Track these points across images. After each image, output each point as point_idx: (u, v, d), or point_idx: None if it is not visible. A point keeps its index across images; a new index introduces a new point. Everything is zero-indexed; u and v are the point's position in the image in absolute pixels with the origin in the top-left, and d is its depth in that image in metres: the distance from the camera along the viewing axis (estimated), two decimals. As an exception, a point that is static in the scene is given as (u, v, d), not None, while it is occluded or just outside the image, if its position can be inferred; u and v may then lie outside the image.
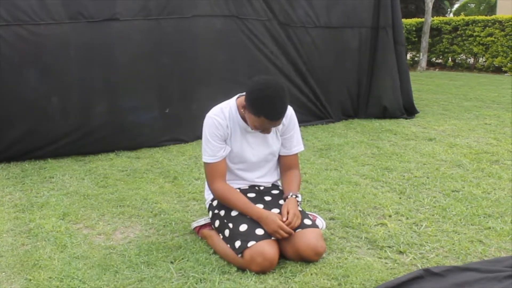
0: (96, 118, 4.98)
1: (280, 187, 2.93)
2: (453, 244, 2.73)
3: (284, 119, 2.74)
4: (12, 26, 4.53)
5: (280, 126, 2.79)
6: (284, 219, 2.55)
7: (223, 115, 2.69)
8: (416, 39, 15.85)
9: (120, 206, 3.46)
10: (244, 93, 2.64)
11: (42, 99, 4.73)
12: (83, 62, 4.86)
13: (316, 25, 6.26)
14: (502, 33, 13.52)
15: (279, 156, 2.88)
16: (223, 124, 2.67)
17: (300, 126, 2.93)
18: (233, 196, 2.66)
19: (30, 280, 2.42)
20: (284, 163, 2.88)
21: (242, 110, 2.66)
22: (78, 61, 4.84)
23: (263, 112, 2.50)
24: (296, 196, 2.70)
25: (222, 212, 2.69)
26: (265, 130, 2.64)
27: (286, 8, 6.01)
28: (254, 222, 2.54)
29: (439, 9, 24.06)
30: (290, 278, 2.39)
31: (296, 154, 2.88)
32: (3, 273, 2.52)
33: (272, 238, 2.48)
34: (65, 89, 4.82)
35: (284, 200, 2.70)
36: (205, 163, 2.71)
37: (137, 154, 4.90)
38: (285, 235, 2.49)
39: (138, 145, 5.13)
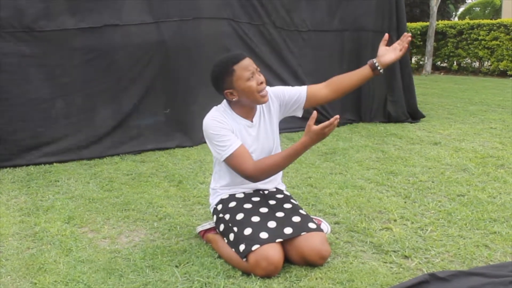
0: (100, 122, 5.03)
1: (285, 191, 2.93)
2: (458, 248, 2.72)
3: (269, 99, 2.75)
4: (18, 33, 4.60)
5: (275, 105, 2.80)
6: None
7: (219, 113, 2.70)
8: (421, 43, 15.82)
9: (125, 210, 3.47)
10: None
11: (47, 103, 4.79)
12: (86, 67, 4.93)
13: (314, 29, 6.26)
14: (508, 37, 13.48)
15: (312, 99, 2.83)
16: (223, 119, 2.67)
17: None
18: (270, 161, 2.59)
19: (36, 283, 2.43)
20: (316, 92, 2.83)
21: (234, 100, 2.65)
22: (81, 65, 4.91)
23: (230, 65, 2.58)
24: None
25: (227, 216, 2.68)
26: (260, 79, 2.61)
27: (283, 12, 6.02)
28: (259, 226, 2.53)
29: (444, 13, 24.03)
30: (295, 283, 2.39)
31: (309, 85, 2.86)
32: (9, 277, 2.52)
33: (277, 241, 2.47)
34: (69, 93, 4.88)
35: (372, 65, 2.76)
36: (227, 158, 2.61)
37: (142, 158, 4.91)
38: (334, 125, 2.43)
39: (143, 148, 5.14)
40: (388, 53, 2.76)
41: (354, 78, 2.81)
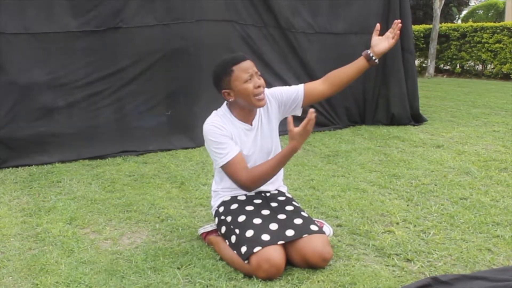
0: (102, 123, 5.04)
1: (287, 193, 2.92)
2: (461, 252, 2.72)
3: (267, 101, 2.75)
4: (22, 35, 4.62)
5: (274, 106, 2.80)
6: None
7: (219, 118, 2.71)
8: (424, 45, 15.82)
9: (127, 211, 3.47)
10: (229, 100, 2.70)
11: (49, 104, 4.80)
12: (89, 68, 4.95)
13: (318, 31, 6.26)
14: (511, 39, 13.46)
15: (310, 96, 2.82)
16: (222, 125, 2.67)
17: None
18: (261, 169, 2.61)
19: (37, 284, 2.43)
20: (314, 89, 2.83)
21: (231, 100, 2.67)
22: (84, 67, 4.94)
23: (230, 66, 2.60)
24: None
25: (229, 218, 2.68)
26: (258, 83, 2.62)
27: (287, 14, 6.01)
28: (261, 228, 2.53)
29: (447, 16, 24.00)
30: (297, 285, 2.38)
31: (306, 83, 2.86)
32: (10, 277, 2.52)
33: (278, 243, 2.47)
34: (72, 94, 4.89)
35: (367, 56, 2.78)
36: (223, 166, 2.63)
37: (144, 159, 4.91)
38: (313, 119, 2.45)
39: (145, 149, 5.15)
40: (381, 42, 2.78)
41: (350, 70, 2.82)
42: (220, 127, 2.65)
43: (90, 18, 4.88)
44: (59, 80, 4.84)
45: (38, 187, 4.05)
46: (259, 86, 2.63)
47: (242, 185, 2.65)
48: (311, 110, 2.45)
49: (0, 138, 4.63)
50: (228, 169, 2.64)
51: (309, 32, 6.20)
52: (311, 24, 6.20)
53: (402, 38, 6.40)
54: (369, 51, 2.78)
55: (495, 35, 13.86)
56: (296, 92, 2.81)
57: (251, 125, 2.76)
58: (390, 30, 2.80)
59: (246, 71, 2.60)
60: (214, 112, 2.76)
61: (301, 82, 2.90)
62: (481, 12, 28.58)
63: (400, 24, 2.78)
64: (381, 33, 2.83)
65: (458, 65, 15.39)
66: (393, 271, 2.52)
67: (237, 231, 2.58)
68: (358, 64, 2.80)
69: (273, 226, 2.54)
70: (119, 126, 5.12)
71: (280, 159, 2.59)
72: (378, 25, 2.84)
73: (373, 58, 2.78)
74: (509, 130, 6.09)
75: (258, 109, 2.78)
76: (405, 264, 2.59)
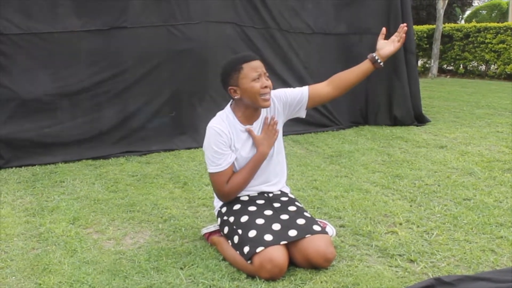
0: (105, 123, 5.05)
1: (289, 194, 2.92)
2: (464, 253, 2.71)
3: (272, 103, 2.77)
4: (26, 35, 4.63)
5: (278, 108, 2.82)
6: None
7: (222, 121, 2.72)
8: (427, 46, 15.79)
9: (130, 211, 3.47)
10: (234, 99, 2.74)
11: (53, 104, 4.82)
12: (93, 68, 4.96)
13: (318, 32, 6.25)
14: (514, 40, 13.44)
15: (315, 98, 2.83)
16: (224, 130, 2.69)
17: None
18: (239, 178, 2.71)
19: (40, 284, 2.43)
20: (318, 91, 2.84)
21: (236, 97, 2.68)
22: (88, 67, 4.95)
23: (240, 63, 2.63)
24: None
25: (232, 219, 2.68)
26: (265, 83, 2.64)
27: (287, 14, 6.01)
28: (264, 228, 2.53)
29: (450, 16, 23.96)
30: (300, 286, 2.38)
31: (310, 85, 2.87)
32: (13, 277, 2.53)
33: (281, 243, 2.47)
34: (75, 94, 4.90)
35: (372, 59, 2.81)
36: (212, 173, 2.70)
37: (148, 159, 4.92)
38: (272, 124, 2.73)
39: (148, 150, 5.15)
40: (387, 46, 2.82)
41: (355, 73, 2.84)
42: (221, 132, 2.67)
43: (94, 18, 4.88)
44: (63, 80, 4.85)
45: (41, 187, 4.06)
46: (266, 87, 2.65)
47: (221, 196, 2.75)
48: (265, 116, 2.75)
49: (3, 138, 4.64)
50: (214, 178, 2.71)
51: (309, 33, 6.20)
52: (310, 25, 6.20)
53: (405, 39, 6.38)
54: (374, 54, 2.80)
55: (499, 35, 13.83)
56: (300, 94, 2.82)
57: (252, 125, 2.76)
58: (396, 33, 2.82)
59: (255, 70, 2.63)
60: (218, 113, 2.77)
61: (302, 83, 2.91)
62: (484, 12, 28.51)
63: (406, 28, 2.79)
64: (385, 36, 2.84)
65: (461, 65, 15.36)
66: (396, 271, 2.52)
67: (239, 231, 2.58)
68: (363, 67, 2.82)
69: (276, 227, 2.54)
70: (123, 126, 5.13)
71: (252, 166, 2.73)
72: (384, 29, 2.87)
73: (379, 61, 2.79)
74: (513, 130, 6.07)
75: (262, 111, 2.78)
76: (408, 265, 2.58)
